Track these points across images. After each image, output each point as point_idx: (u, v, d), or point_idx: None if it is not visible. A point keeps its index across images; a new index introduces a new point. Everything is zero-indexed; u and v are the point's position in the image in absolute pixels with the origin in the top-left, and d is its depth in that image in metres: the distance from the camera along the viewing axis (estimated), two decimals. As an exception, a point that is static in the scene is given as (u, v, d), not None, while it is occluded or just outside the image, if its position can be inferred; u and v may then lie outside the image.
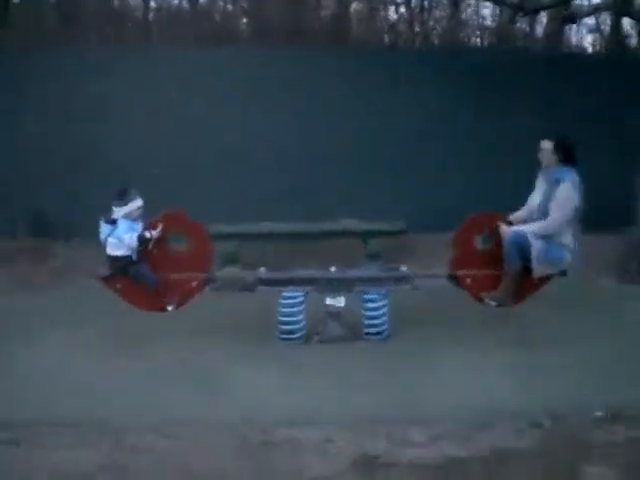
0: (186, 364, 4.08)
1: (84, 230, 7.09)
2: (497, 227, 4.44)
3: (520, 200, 7.30)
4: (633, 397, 3.47)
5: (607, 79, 8.22)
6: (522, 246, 4.24)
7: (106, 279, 4.53)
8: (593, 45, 18.88)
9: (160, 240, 4.50)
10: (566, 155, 4.38)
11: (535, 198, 4.55)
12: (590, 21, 18.26)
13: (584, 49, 18.50)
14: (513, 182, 7.95)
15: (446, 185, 8.09)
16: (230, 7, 18.28)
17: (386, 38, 17.86)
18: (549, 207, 4.28)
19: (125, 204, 4.41)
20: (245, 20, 18.19)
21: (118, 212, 4.42)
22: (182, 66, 8.04)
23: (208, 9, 18.06)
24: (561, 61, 9.36)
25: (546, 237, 4.26)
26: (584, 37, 18.88)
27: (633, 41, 17.17)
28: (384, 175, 8.04)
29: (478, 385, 3.70)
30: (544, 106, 8.16)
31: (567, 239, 4.31)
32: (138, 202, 4.47)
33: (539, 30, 17.82)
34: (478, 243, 4.61)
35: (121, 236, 4.35)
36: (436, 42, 17.66)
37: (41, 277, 6.47)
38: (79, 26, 13.81)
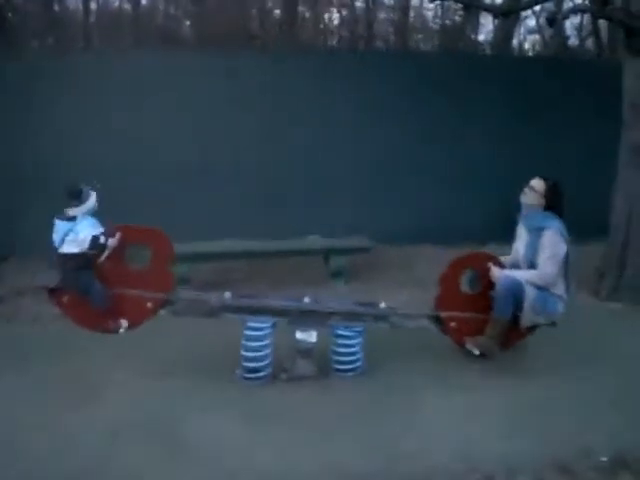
0: (137, 413, 3.56)
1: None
2: (487, 269, 4.10)
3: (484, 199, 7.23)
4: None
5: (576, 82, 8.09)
6: (516, 294, 3.91)
7: (52, 292, 4.00)
8: (533, 46, 19.17)
9: (117, 251, 4.01)
10: (556, 202, 4.02)
11: (518, 248, 4.21)
12: (531, 22, 18.57)
13: (525, 50, 18.74)
14: (473, 192, 7.88)
15: (406, 197, 7.83)
16: (173, 10, 17.76)
17: (332, 41, 17.69)
18: (537, 259, 3.96)
19: (82, 203, 3.93)
20: (188, 23, 17.70)
21: (75, 211, 3.93)
22: (125, 70, 7.38)
23: (150, 12, 17.50)
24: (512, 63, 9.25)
25: (540, 287, 3.94)
26: (524, 39, 19.18)
27: (573, 42, 17.51)
28: (340, 187, 7.70)
29: (466, 431, 3.37)
30: (498, 112, 7.98)
31: (560, 289, 4.00)
32: (93, 197, 3.99)
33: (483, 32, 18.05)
34: (465, 284, 4.28)
35: (82, 233, 3.85)
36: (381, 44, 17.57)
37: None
38: (19, 31, 13.10)
